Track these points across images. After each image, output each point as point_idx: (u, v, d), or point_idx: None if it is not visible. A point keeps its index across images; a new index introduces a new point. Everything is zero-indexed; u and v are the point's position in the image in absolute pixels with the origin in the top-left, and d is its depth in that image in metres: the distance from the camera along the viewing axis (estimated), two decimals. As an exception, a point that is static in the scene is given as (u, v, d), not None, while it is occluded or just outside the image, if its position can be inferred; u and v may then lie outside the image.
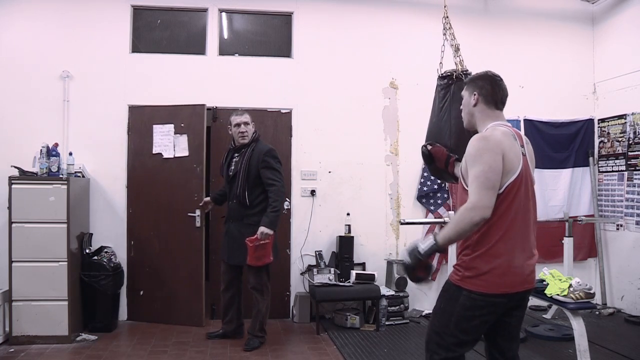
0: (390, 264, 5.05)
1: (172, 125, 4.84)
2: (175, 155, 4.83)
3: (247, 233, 3.97)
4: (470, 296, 2.03)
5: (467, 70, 3.08)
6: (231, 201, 4.11)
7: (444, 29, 3.31)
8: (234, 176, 4.04)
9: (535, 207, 2.19)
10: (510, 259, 2.03)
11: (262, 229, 3.90)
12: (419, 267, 2.05)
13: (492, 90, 2.23)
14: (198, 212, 4.74)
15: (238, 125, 4.06)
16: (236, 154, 4.12)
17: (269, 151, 4.06)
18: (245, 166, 3.99)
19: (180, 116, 4.85)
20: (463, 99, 2.33)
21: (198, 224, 4.76)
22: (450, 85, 3.03)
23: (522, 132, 5.45)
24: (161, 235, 4.85)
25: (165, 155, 4.85)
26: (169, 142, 4.85)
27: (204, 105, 4.85)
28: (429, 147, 2.84)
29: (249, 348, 4.05)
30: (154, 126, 4.87)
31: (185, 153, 4.83)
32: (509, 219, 2.03)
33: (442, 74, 3.14)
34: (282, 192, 4.06)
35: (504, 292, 2.03)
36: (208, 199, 4.51)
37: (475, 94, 2.24)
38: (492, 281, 2.01)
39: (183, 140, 4.83)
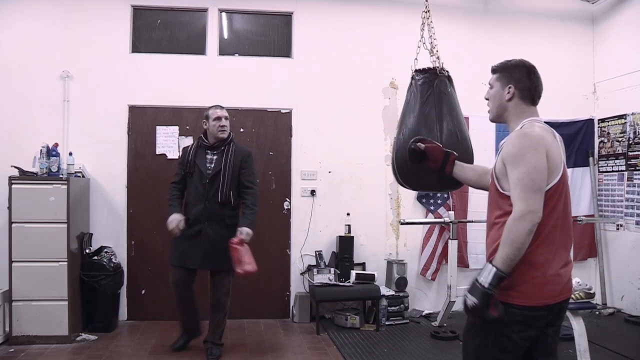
0: (390, 264, 5.04)
1: (177, 127, 4.94)
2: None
3: (226, 235, 3.71)
4: (507, 310, 1.80)
5: (443, 68, 2.82)
6: (208, 202, 3.77)
7: (422, 24, 3.08)
8: (214, 175, 3.79)
9: (571, 208, 1.98)
10: (550, 266, 1.83)
11: (246, 230, 3.70)
12: (489, 304, 1.77)
13: (531, 84, 1.99)
14: None
15: (219, 118, 3.82)
16: (211, 152, 3.86)
17: (251, 154, 3.97)
18: (230, 165, 3.80)
19: (186, 118, 4.96)
20: (492, 88, 2.08)
21: None
22: (433, 80, 2.70)
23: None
24: (165, 234, 4.83)
25: (170, 156, 4.92)
26: (173, 144, 4.94)
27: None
28: (422, 145, 2.39)
29: (214, 358, 3.82)
30: (158, 127, 4.93)
31: None
32: (550, 223, 1.84)
33: (420, 68, 2.78)
34: (257, 195, 3.93)
35: (544, 303, 1.82)
36: (180, 216, 3.79)
37: (510, 87, 2.00)
38: (531, 292, 1.81)
39: (189, 142, 4.89)
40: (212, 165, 3.83)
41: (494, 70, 2.09)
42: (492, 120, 2.14)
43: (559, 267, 1.87)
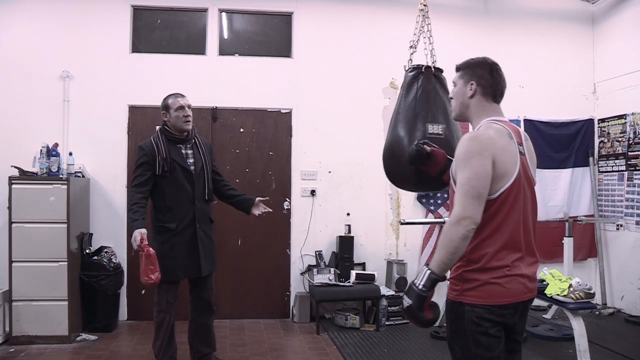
0: (390, 264, 5.04)
1: None
2: None
3: (210, 234, 3.50)
4: (473, 310, 1.84)
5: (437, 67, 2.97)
6: (199, 201, 3.42)
7: (421, 21, 3.18)
8: (200, 172, 3.43)
9: (536, 209, 2.01)
10: (513, 267, 1.85)
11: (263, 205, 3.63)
12: (423, 306, 1.80)
13: (493, 81, 2.00)
14: None
15: (182, 108, 3.36)
16: (184, 146, 3.44)
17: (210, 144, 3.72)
18: (208, 159, 3.51)
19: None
20: (455, 86, 2.08)
21: None
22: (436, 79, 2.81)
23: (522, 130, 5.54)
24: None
25: None
26: None
27: (209, 108, 4.96)
28: (430, 148, 2.41)
29: None
30: (158, 127, 4.86)
31: None
32: (508, 228, 1.86)
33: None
34: None
35: (508, 302, 1.85)
36: (144, 231, 3.16)
37: (472, 84, 2.00)
38: (495, 291, 1.83)
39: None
40: (193, 161, 3.43)
41: (458, 68, 2.10)
42: (455, 119, 2.18)
43: (523, 267, 1.89)
